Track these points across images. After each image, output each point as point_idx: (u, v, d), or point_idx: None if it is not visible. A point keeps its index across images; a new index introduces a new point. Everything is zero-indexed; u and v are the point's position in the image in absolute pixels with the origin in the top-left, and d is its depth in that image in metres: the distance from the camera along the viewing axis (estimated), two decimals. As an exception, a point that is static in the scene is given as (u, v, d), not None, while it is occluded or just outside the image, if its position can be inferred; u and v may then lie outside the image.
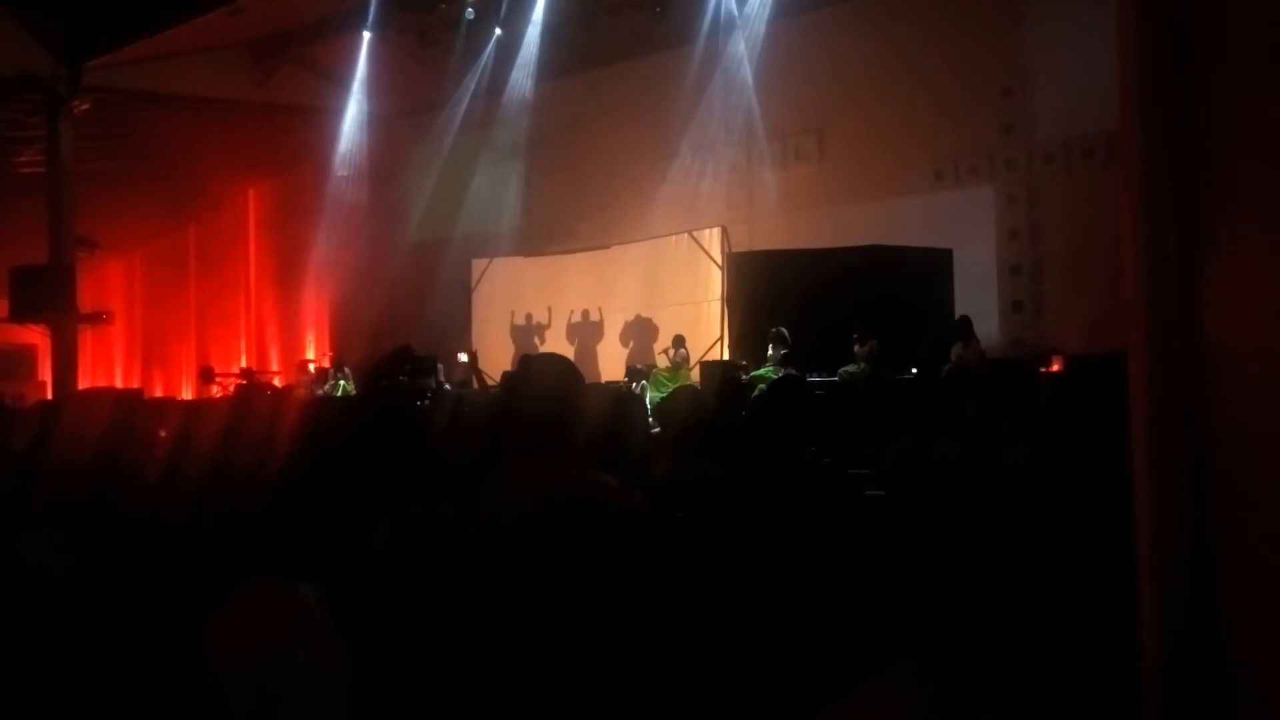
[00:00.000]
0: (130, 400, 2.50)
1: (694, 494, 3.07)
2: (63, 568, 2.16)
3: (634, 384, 12.29)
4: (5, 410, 6.13)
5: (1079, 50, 10.44)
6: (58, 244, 14.55)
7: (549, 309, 15.68)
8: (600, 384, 12.04)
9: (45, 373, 17.09)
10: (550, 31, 14.96)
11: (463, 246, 16.61)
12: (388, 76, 16.02)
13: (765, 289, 12.32)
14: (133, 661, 2.03)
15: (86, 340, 18.19)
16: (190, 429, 2.96)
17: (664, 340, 13.59)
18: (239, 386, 14.14)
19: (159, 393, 18.95)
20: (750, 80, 14.19)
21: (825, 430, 4.06)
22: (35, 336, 17.14)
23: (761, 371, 10.80)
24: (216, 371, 17.61)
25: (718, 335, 13.72)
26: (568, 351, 14.22)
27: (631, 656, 2.13)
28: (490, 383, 12.21)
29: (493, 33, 15.45)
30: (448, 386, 13.66)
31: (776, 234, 13.87)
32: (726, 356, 13.05)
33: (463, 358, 14.66)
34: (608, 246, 15.27)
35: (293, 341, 19.00)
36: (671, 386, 10.76)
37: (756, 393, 4.79)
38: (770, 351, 11.20)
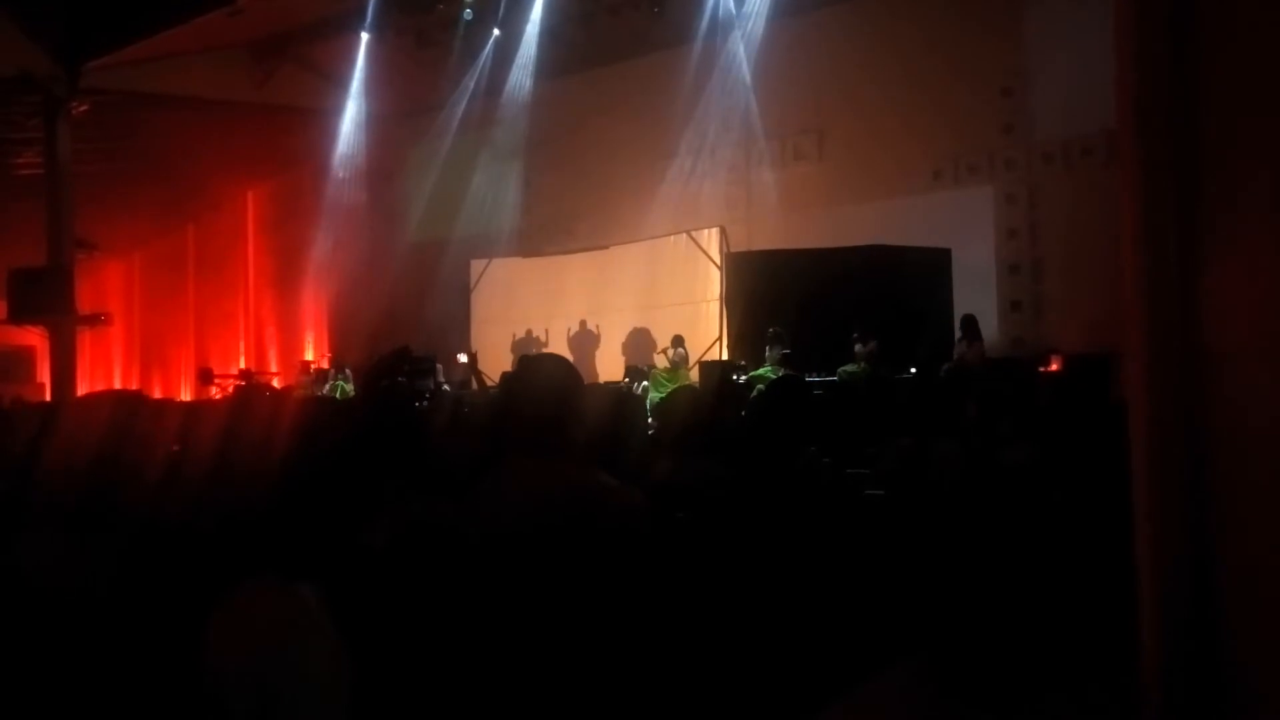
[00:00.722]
0: (130, 401, 2.50)
1: (694, 494, 3.07)
2: (63, 568, 2.16)
3: (633, 384, 12.29)
4: (4, 412, 6.13)
5: (1078, 49, 10.43)
6: (56, 245, 14.54)
7: (546, 331, 15.65)
8: (599, 384, 12.03)
9: (44, 374, 17.09)
10: (549, 32, 14.97)
11: (461, 247, 16.61)
12: (386, 77, 16.02)
13: (764, 289, 12.31)
14: (133, 662, 2.03)
15: (85, 342, 18.17)
16: (190, 430, 2.96)
17: (662, 340, 13.59)
18: (238, 388, 14.13)
19: (158, 394, 18.92)
20: (749, 80, 14.19)
21: (825, 430, 4.07)
22: (34, 338, 17.13)
23: (760, 371, 10.79)
24: (215, 373, 17.61)
25: (717, 335, 13.72)
26: (566, 355, 14.22)
27: (632, 656, 2.13)
28: (489, 383, 12.20)
29: (491, 33, 15.46)
30: (446, 387, 13.66)
31: (775, 234, 13.87)
32: (725, 356, 13.05)
33: (462, 358, 14.66)
34: (606, 247, 15.26)
35: (292, 342, 18.99)
36: (670, 386, 10.75)
37: (756, 393, 4.79)
38: (769, 351, 11.19)
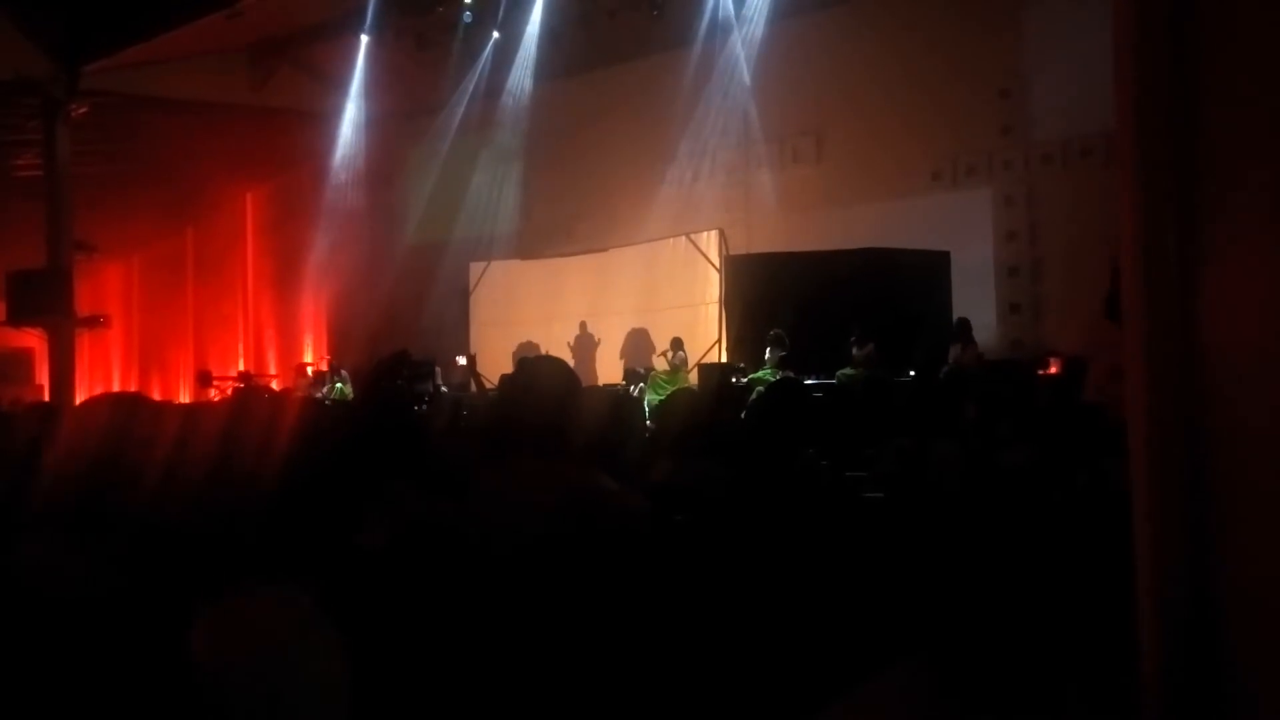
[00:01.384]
0: (129, 403, 2.50)
1: (693, 496, 3.07)
2: (61, 570, 2.15)
3: (632, 387, 12.29)
4: (2, 414, 6.13)
5: (1077, 50, 10.44)
6: (55, 248, 14.54)
7: (545, 336, 15.67)
8: (598, 387, 12.04)
9: (42, 376, 17.08)
10: (548, 34, 14.99)
11: (460, 249, 16.62)
12: (386, 79, 16.04)
13: (763, 291, 12.33)
14: (132, 662, 2.03)
15: (84, 344, 18.14)
16: (189, 431, 2.96)
17: (661, 343, 13.59)
18: (237, 390, 14.13)
19: (157, 396, 18.90)
20: (748, 82, 14.22)
21: (824, 432, 4.07)
22: (33, 340, 17.11)
23: (760, 374, 10.81)
24: (214, 375, 17.59)
25: (716, 338, 13.72)
26: (566, 358, 14.21)
27: (631, 658, 2.13)
28: (489, 386, 12.21)
29: (490, 35, 15.48)
30: (445, 390, 13.66)
31: (774, 236, 13.88)
32: (724, 359, 13.06)
33: (461, 361, 14.67)
34: (605, 249, 15.27)
35: (291, 345, 18.99)
36: (670, 389, 10.76)
37: (755, 395, 4.79)
38: (768, 354, 11.21)
